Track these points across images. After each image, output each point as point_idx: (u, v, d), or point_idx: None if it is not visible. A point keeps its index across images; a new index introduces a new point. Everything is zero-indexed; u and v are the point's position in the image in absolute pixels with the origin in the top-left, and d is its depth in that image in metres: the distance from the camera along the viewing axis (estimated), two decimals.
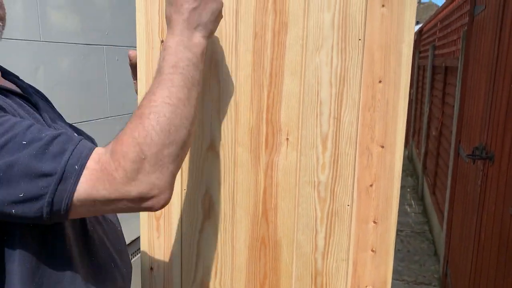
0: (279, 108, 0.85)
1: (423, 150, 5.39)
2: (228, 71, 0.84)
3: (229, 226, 0.90)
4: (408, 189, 5.73)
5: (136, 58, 0.85)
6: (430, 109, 5.16)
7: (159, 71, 0.67)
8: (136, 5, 0.83)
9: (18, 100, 0.76)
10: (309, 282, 0.90)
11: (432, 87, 5.14)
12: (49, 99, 0.93)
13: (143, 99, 0.66)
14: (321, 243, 0.89)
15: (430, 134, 5.01)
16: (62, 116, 0.92)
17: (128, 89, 2.28)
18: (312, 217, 0.88)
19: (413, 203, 5.16)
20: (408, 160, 7.17)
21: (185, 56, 0.67)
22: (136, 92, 0.89)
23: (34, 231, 0.67)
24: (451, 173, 2.98)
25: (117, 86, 2.20)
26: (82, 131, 0.93)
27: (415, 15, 0.79)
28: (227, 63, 0.84)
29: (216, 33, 0.82)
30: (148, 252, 0.93)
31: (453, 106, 3.20)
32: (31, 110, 0.77)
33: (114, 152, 0.61)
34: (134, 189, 0.60)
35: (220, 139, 0.87)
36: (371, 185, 0.85)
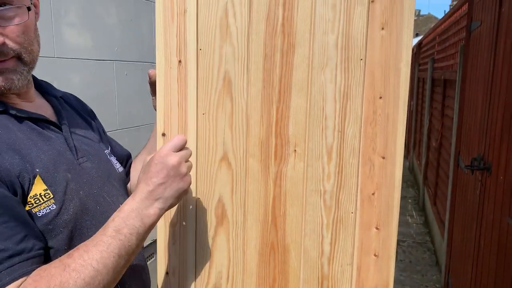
0: (287, 122, 0.91)
1: (423, 161, 5.44)
2: (240, 88, 0.91)
3: (240, 232, 0.96)
4: (410, 200, 5.77)
5: (155, 77, 0.92)
6: (430, 121, 5.22)
7: (104, 229, 0.71)
8: (156, 28, 0.90)
9: (45, 125, 0.83)
10: (315, 285, 0.96)
11: (431, 100, 5.21)
12: None
13: (79, 248, 0.70)
14: (327, 248, 0.94)
15: (431, 146, 5.07)
16: (96, 125, 0.99)
17: (135, 102, 2.36)
18: (318, 223, 0.94)
19: (414, 214, 5.20)
20: (409, 171, 7.21)
21: (133, 224, 0.72)
22: (154, 108, 0.96)
23: None
24: (451, 184, 3.04)
25: (125, 99, 2.27)
26: (117, 143, 1.01)
27: (412, 37, 0.86)
28: (239, 81, 0.91)
29: (230, 54, 0.89)
30: (164, 257, 0.99)
31: (452, 118, 3.26)
32: (52, 135, 0.83)
33: None
34: None
35: (232, 151, 0.94)
36: (373, 194, 0.92)
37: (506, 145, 1.70)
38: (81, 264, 0.67)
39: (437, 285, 3.40)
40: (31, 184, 0.74)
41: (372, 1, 0.86)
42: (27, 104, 0.85)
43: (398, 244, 0.88)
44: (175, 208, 0.95)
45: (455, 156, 2.96)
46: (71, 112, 0.94)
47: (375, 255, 0.94)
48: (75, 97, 1.05)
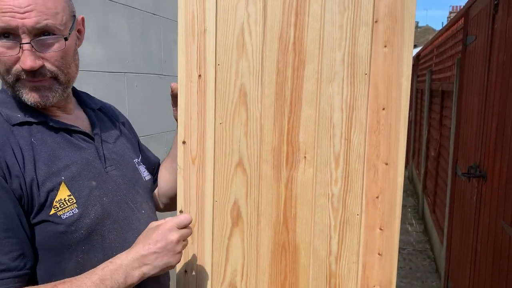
0: (298, 131, 1.00)
1: (422, 171, 5.51)
2: (255, 100, 1.00)
3: (254, 233, 1.04)
4: (409, 209, 5.83)
5: (177, 89, 1.01)
6: (429, 131, 5.31)
7: (91, 273, 0.79)
8: (178, 45, 0.99)
9: (79, 136, 0.91)
10: (324, 282, 1.03)
11: (430, 110, 5.30)
12: None
13: (65, 282, 0.77)
14: (334, 247, 1.02)
15: (429, 155, 5.14)
16: (129, 134, 1.08)
17: (145, 112, 2.44)
18: (326, 224, 1.01)
19: (414, 222, 5.27)
20: (409, 180, 7.28)
21: (117, 279, 0.78)
22: (175, 119, 1.05)
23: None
24: (450, 192, 3.12)
25: (136, 110, 2.36)
26: (150, 151, 1.11)
27: (412, 53, 0.95)
28: (254, 93, 1.00)
29: (246, 69, 0.98)
30: (183, 257, 1.07)
31: (450, 128, 3.35)
32: (83, 145, 0.91)
33: None
34: None
35: (247, 157, 1.02)
36: (377, 197, 1.00)
37: (500, 154, 1.79)
38: None
39: None
40: (56, 190, 0.83)
41: (376, 21, 0.95)
42: (66, 116, 0.94)
43: (398, 251, 0.94)
44: (193, 210, 1.03)
45: (453, 164, 3.04)
46: (107, 122, 1.03)
47: (379, 253, 1.01)
48: (113, 108, 1.14)
